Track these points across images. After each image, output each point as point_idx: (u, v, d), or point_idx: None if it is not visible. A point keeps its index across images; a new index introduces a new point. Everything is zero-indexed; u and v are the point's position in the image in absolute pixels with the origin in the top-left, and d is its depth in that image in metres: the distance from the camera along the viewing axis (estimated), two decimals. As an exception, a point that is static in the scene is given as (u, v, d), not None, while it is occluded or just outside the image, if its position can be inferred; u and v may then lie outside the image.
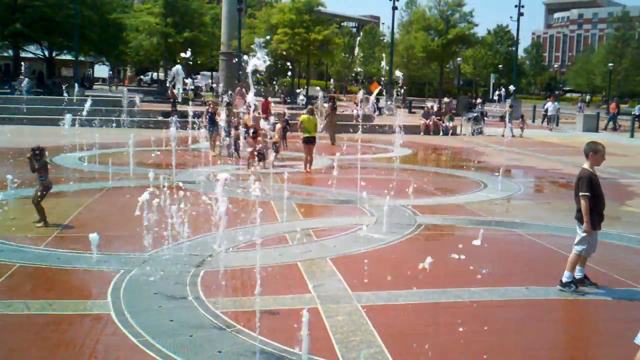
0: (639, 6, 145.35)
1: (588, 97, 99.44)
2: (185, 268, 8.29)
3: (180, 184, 14.89)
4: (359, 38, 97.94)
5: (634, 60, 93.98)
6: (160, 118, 29.96)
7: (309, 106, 20.28)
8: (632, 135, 35.62)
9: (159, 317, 6.61)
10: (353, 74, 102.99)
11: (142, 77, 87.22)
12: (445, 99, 38.89)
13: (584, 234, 7.69)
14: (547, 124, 37.70)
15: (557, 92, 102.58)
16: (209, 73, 77.78)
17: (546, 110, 41.67)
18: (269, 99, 30.79)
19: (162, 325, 6.40)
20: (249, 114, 16.95)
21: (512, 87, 31.37)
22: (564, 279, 7.82)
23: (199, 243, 9.57)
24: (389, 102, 44.93)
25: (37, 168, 10.16)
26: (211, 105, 19.56)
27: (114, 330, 6.29)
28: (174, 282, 7.71)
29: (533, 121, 47.47)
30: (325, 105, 30.57)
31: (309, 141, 17.74)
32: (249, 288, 7.74)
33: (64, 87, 35.51)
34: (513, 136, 32.53)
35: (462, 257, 8.94)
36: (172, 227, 10.36)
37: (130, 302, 6.98)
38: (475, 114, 35.46)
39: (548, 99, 48.76)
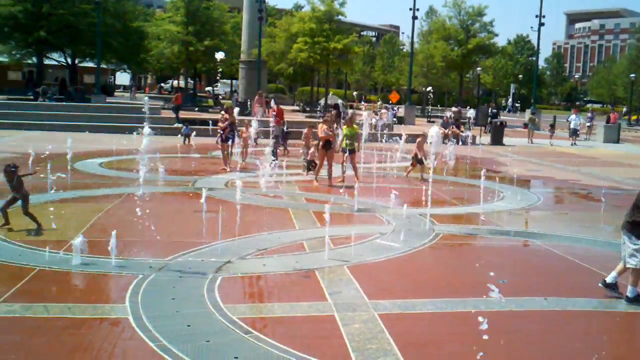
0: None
1: (611, 107, 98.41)
2: (203, 274, 8.33)
3: (200, 191, 15.02)
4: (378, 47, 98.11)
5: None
6: (178, 125, 30.19)
7: (327, 115, 20.24)
8: (654, 147, 35.27)
9: (177, 322, 6.66)
10: (372, 83, 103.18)
11: (162, 84, 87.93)
12: (454, 108, 38.61)
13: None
14: (570, 137, 36.69)
15: (577, 103, 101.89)
16: (229, 81, 78.24)
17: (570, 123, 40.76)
18: (282, 106, 30.74)
19: (179, 330, 6.44)
20: (324, 124, 16.85)
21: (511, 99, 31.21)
22: (630, 295, 7.70)
23: (217, 249, 9.62)
24: (409, 110, 44.86)
25: (14, 185, 10.39)
26: (229, 114, 19.57)
27: (131, 334, 6.34)
28: (191, 288, 7.76)
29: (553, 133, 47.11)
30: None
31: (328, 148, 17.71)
32: (266, 294, 7.77)
33: (88, 94, 35.97)
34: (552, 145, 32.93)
35: (505, 281, 8.81)
36: (192, 233, 10.46)
37: (148, 307, 7.04)
38: (499, 122, 35.28)
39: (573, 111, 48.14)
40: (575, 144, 35.55)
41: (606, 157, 29.60)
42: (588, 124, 41.47)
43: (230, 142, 19.33)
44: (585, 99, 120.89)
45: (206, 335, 6.35)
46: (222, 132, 18.89)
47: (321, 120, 18.84)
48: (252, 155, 20.98)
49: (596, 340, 6.77)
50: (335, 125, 23.37)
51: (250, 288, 8.13)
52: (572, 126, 36.37)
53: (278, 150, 21.70)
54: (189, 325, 6.58)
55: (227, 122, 18.96)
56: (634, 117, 76.76)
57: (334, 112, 26.83)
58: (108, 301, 7.40)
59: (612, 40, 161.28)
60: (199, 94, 66.09)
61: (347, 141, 17.10)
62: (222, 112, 19.74)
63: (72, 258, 8.64)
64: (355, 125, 17.57)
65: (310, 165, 18.20)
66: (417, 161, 18.35)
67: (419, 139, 18.63)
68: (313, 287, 8.08)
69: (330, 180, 16.83)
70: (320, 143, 16.69)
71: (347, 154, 17.30)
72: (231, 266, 8.82)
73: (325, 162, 16.93)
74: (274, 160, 19.53)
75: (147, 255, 9.28)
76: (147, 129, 13.44)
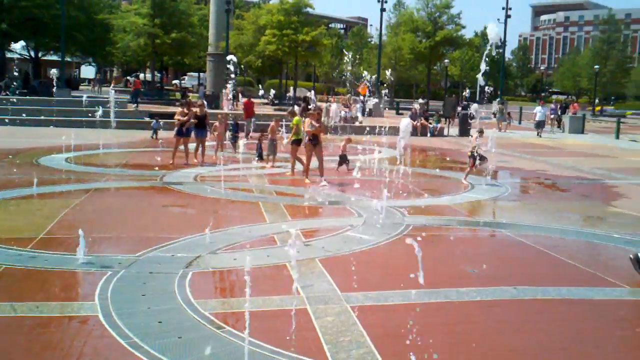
0: (625, 9, 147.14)
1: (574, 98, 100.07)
2: (173, 269, 8.24)
3: (168, 185, 14.90)
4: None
5: (619, 63, 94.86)
6: (147, 119, 29.84)
7: (291, 109, 20.21)
8: (617, 137, 35.90)
9: (147, 318, 6.58)
10: (341, 76, 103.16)
11: (128, 78, 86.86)
12: (420, 100, 38.86)
13: None
14: (537, 131, 36.82)
15: (543, 94, 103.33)
16: (197, 74, 77.59)
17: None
18: (252, 99, 30.61)
19: (150, 326, 6.36)
20: (309, 117, 16.50)
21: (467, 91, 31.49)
22: None
23: (187, 244, 9.53)
24: (377, 103, 45.00)
25: None
26: (200, 108, 19.40)
27: (101, 332, 6.25)
28: (162, 283, 7.67)
29: (520, 123, 47.75)
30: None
31: (299, 143, 17.65)
32: (238, 289, 7.72)
33: (52, 87, 35.35)
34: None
35: (475, 270, 8.88)
36: (161, 228, 10.36)
37: (118, 304, 6.94)
38: (468, 113, 35.52)
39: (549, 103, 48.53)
40: (540, 135, 35.93)
41: (572, 147, 30.07)
42: (552, 115, 41.98)
43: (201, 136, 19.13)
44: (550, 90, 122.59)
45: (178, 331, 6.28)
46: (182, 125, 18.61)
47: (288, 113, 18.82)
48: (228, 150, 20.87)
49: (566, 328, 6.86)
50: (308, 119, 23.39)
51: (222, 283, 8.07)
52: (537, 118, 36.69)
53: (226, 144, 21.39)
54: (160, 322, 6.50)
55: (188, 116, 18.76)
56: (597, 108, 78.12)
57: (303, 105, 26.75)
58: (77, 299, 7.28)
59: (576, 32, 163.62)
60: (166, 87, 65.45)
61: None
62: (180, 105, 19.41)
63: (40, 256, 8.48)
64: (296, 117, 17.64)
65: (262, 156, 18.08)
66: (478, 158, 17.12)
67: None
68: (285, 280, 8.04)
69: (322, 174, 16.22)
70: (307, 137, 16.41)
71: (300, 145, 17.35)
72: (202, 261, 8.74)
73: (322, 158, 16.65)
74: (258, 156, 19.48)
75: (116, 251, 9.16)
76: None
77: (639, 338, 6.62)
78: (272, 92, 50.89)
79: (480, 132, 17.85)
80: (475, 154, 16.98)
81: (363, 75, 48.40)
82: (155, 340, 6.04)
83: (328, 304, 7.18)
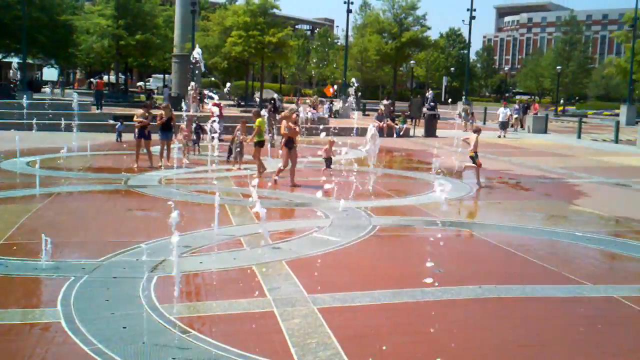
0: (586, 10, 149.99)
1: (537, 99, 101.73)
2: (138, 274, 8.14)
3: (132, 188, 14.74)
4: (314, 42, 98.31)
5: (581, 63, 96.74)
6: (111, 121, 29.46)
7: (255, 110, 20.09)
8: (579, 137, 36.53)
9: (112, 324, 6.49)
10: (307, 77, 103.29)
11: (92, 80, 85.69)
12: (385, 101, 39.08)
13: None
14: (500, 132, 36.80)
15: (507, 95, 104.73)
16: (162, 76, 76.85)
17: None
18: (221, 102, 30.43)
19: (114, 332, 6.28)
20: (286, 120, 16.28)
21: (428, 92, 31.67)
22: None
23: (151, 248, 9.43)
24: (345, 104, 45.13)
25: None
26: (165, 110, 19.21)
27: (64, 339, 6.14)
28: (126, 288, 7.57)
29: (484, 123, 48.28)
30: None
31: (262, 144, 17.59)
32: (204, 293, 7.66)
33: (12, 89, 34.72)
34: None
35: (441, 270, 8.95)
36: (125, 232, 10.24)
37: (81, 310, 6.83)
38: (434, 113, 35.77)
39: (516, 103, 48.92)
40: (504, 136, 36.17)
41: (535, 147, 30.51)
42: (516, 115, 42.49)
43: (166, 139, 18.92)
44: (514, 90, 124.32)
45: (143, 336, 6.20)
46: (143, 127, 18.40)
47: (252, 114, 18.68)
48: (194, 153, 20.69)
49: (529, 325, 6.95)
50: (272, 121, 23.24)
51: (187, 287, 8.00)
52: (500, 119, 36.89)
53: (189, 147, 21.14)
54: (124, 327, 6.42)
55: (149, 118, 18.58)
56: (560, 108, 79.45)
57: (269, 106, 26.61)
58: (38, 305, 7.15)
59: (539, 33, 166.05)
60: (130, 89, 64.72)
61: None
62: (140, 110, 19.15)
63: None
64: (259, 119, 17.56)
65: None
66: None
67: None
68: (251, 283, 8.01)
69: (293, 179, 16.09)
70: (283, 140, 16.17)
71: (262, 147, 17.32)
72: (167, 265, 8.65)
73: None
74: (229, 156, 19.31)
75: (79, 256, 9.03)
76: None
77: (601, 335, 6.74)
78: (228, 86, 50.39)
79: (477, 131, 17.96)
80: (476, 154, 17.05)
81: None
82: (120, 346, 5.96)
83: (295, 306, 7.16)
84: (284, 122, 16.10)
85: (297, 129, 16.27)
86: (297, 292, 7.69)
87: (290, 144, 15.85)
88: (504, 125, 36.64)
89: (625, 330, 7.01)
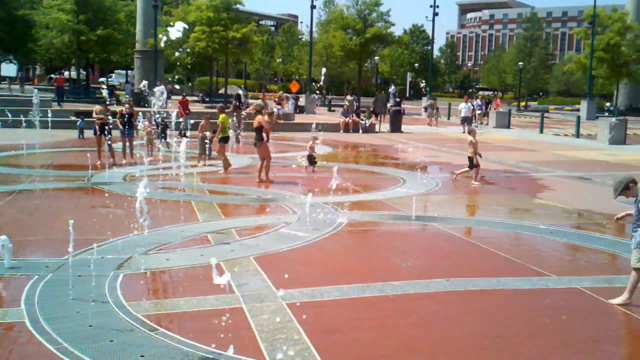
0: (546, 7, 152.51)
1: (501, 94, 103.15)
2: (103, 271, 8.02)
3: (96, 186, 14.52)
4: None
5: (542, 59, 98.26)
6: (73, 118, 28.93)
7: (220, 105, 19.96)
8: (541, 131, 37.09)
9: (78, 323, 6.38)
10: (272, 73, 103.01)
11: (52, 75, 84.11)
12: (349, 97, 39.18)
13: None
14: (462, 127, 36.82)
15: (470, 91, 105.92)
16: (124, 72, 75.84)
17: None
18: (187, 97, 30.19)
19: (81, 331, 6.17)
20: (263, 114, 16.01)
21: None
22: None
23: (118, 245, 9.30)
24: (309, 100, 45.15)
25: None
26: (127, 106, 18.94)
27: (28, 338, 6.02)
28: (92, 287, 7.45)
29: (448, 118, 48.77)
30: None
31: (226, 140, 17.47)
32: (171, 290, 7.58)
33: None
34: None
35: (409, 264, 9.00)
36: (90, 230, 10.08)
37: (46, 309, 6.70)
38: (399, 109, 35.91)
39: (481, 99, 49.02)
40: (465, 131, 36.11)
41: (498, 142, 30.89)
42: (478, 111, 42.86)
43: (128, 135, 18.66)
44: (477, 86, 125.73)
45: (110, 334, 6.11)
46: (103, 124, 18.13)
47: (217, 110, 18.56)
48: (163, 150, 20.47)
49: (496, 317, 7.04)
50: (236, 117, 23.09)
51: (154, 284, 7.91)
52: (462, 114, 37.06)
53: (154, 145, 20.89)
54: (90, 326, 6.32)
55: (109, 114, 18.33)
56: (522, 104, 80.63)
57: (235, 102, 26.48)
58: (1, 305, 6.98)
59: (501, 30, 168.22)
60: (92, 85, 63.69)
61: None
62: (99, 106, 18.83)
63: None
64: (222, 115, 17.47)
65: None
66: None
67: None
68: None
69: (260, 175, 15.95)
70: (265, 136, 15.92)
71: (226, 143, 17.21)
72: (133, 262, 8.55)
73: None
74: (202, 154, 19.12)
75: (43, 254, 8.87)
76: None
77: (565, 325, 6.86)
78: (177, 80, 50.01)
79: (472, 132, 17.71)
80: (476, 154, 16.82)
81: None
82: (87, 344, 5.86)
83: (264, 302, 7.14)
84: (260, 117, 15.96)
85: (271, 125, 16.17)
86: (265, 287, 7.66)
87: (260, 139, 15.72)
88: (466, 121, 36.69)
89: (589, 321, 7.14)
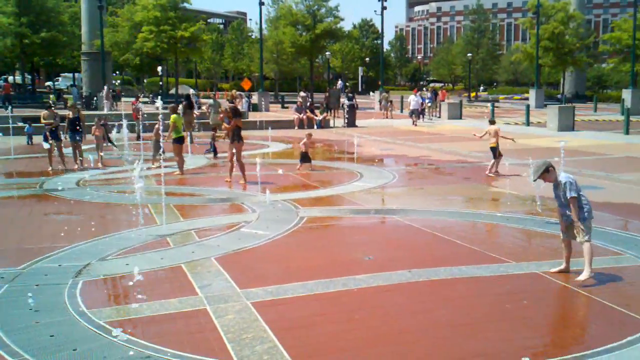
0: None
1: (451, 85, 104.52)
2: (62, 280, 7.85)
3: (49, 192, 14.20)
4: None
5: (490, 50, 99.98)
6: (20, 124, 28.20)
7: (172, 105, 19.68)
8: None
9: (38, 333, 6.22)
10: (223, 71, 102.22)
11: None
12: (302, 93, 39.21)
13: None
14: (412, 119, 36.45)
15: (421, 83, 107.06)
16: (71, 74, 74.31)
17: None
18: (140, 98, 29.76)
19: (42, 341, 6.02)
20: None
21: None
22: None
23: (74, 252, 9.11)
24: (262, 98, 44.99)
25: None
26: (73, 110, 18.55)
27: (-13, 352, 5.85)
28: (51, 296, 7.28)
29: (401, 111, 49.21)
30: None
31: (181, 141, 17.24)
32: (133, 295, 7.46)
33: None
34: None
35: (371, 257, 9.02)
36: (45, 238, 9.86)
37: (3, 321, 6.52)
38: (352, 103, 35.99)
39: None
40: (415, 124, 35.94)
41: (451, 132, 31.32)
42: (429, 103, 43.14)
43: (76, 140, 18.23)
44: (427, 79, 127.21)
45: (72, 343, 5.98)
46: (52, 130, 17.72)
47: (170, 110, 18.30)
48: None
49: (459, 306, 7.13)
50: (189, 118, 22.81)
51: (115, 290, 7.77)
52: (411, 107, 36.73)
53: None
54: (52, 336, 6.17)
55: (57, 119, 17.93)
56: (472, 94, 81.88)
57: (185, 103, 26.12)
58: (-44, 319, 6.77)
59: (449, 22, 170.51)
60: (39, 90, 62.27)
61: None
62: (46, 111, 18.39)
63: None
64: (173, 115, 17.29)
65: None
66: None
67: None
68: (181, 282, 7.87)
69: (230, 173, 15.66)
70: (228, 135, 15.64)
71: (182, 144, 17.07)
72: (92, 269, 8.39)
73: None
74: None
75: (-4, 265, 8.61)
76: None
77: (526, 309, 6.99)
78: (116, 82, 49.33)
79: (492, 122, 17.95)
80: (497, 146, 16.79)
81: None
82: (49, 355, 5.73)
83: (228, 302, 7.09)
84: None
85: (237, 123, 15.74)
86: (228, 287, 7.61)
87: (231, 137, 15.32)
88: (414, 113, 36.42)
89: (549, 304, 7.30)
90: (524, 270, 8.34)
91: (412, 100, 36.92)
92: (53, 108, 18.65)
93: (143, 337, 6.15)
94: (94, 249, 9.33)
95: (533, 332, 6.36)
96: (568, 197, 7.71)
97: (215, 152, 20.90)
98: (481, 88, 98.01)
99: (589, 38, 69.82)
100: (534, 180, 7.97)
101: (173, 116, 17.24)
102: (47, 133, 17.68)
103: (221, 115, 15.47)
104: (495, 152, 16.92)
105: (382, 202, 13.81)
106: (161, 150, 13.76)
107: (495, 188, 15.02)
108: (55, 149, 17.82)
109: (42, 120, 18.05)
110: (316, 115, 34.57)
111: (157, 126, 18.98)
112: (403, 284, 7.82)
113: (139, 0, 54.11)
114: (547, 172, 7.81)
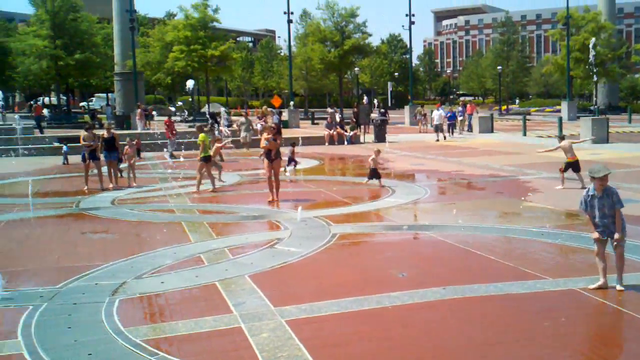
0: (520, 11, 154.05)
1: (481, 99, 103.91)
2: (99, 298, 7.95)
3: (85, 211, 14.41)
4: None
5: (520, 62, 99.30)
6: (56, 144, 28.75)
7: (198, 125, 19.91)
8: (524, 134, 37.37)
9: (76, 352, 6.31)
10: (253, 89, 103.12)
11: (31, 102, 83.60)
12: (329, 109, 39.29)
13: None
14: (436, 134, 35.29)
15: (451, 97, 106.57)
16: (105, 95, 75.62)
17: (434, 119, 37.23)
18: (172, 118, 30.17)
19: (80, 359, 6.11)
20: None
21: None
22: None
23: (110, 271, 9.23)
24: (292, 114, 45.25)
25: None
26: (108, 130, 18.87)
27: (27, 370, 5.94)
28: (88, 314, 7.38)
29: (431, 126, 48.99)
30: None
31: (208, 160, 17.34)
32: (168, 313, 7.52)
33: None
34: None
35: (405, 274, 8.99)
36: (82, 257, 10.00)
37: (43, 339, 6.62)
38: (385, 119, 35.98)
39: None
40: (438, 139, 34.81)
41: (483, 146, 31.08)
42: (460, 117, 42.46)
43: (111, 159, 18.53)
44: (457, 92, 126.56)
45: (110, 362, 6.05)
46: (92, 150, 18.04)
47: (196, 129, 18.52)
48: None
49: (495, 323, 7.04)
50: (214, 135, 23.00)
51: (151, 308, 7.85)
52: (435, 122, 35.60)
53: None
54: (90, 354, 6.25)
55: (96, 140, 18.25)
56: (503, 107, 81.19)
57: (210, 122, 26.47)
58: (-3, 338, 6.90)
59: (477, 35, 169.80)
60: (73, 110, 63.43)
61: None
62: (85, 132, 18.68)
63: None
64: (201, 134, 17.44)
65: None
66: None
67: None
68: (216, 300, 7.91)
69: (272, 192, 15.45)
70: (263, 153, 15.67)
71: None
72: (128, 287, 8.48)
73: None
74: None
75: (35, 284, 8.76)
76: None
77: (565, 327, 6.88)
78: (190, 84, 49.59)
79: (562, 137, 17.72)
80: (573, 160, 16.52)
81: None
82: (87, 374, 5.80)
83: (262, 320, 7.10)
84: (263, 135, 15.91)
85: (279, 141, 15.84)
86: (263, 305, 7.63)
87: (269, 156, 15.29)
88: (439, 128, 35.27)
89: (588, 322, 7.18)
90: (560, 287, 8.21)
91: (436, 115, 35.72)
92: (93, 130, 18.96)
93: (179, 355, 6.19)
94: (129, 267, 9.44)
95: (572, 352, 6.25)
96: (617, 208, 7.71)
97: (295, 163, 20.47)
98: (517, 101, 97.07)
99: (621, 49, 68.93)
100: (603, 176, 7.79)
101: (201, 135, 17.42)
102: (86, 154, 18.01)
103: (266, 135, 15.39)
104: (577, 167, 16.49)
105: (415, 218, 13.75)
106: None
107: (529, 202, 14.84)
108: (94, 169, 18.14)
109: (82, 142, 18.39)
110: (346, 132, 34.61)
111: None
112: (438, 301, 7.76)
113: (169, 20, 54.99)
114: (605, 180, 7.82)
